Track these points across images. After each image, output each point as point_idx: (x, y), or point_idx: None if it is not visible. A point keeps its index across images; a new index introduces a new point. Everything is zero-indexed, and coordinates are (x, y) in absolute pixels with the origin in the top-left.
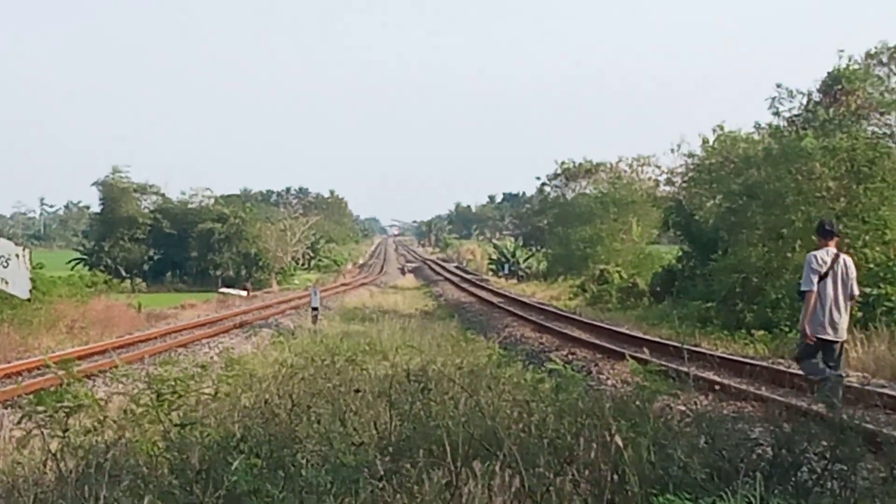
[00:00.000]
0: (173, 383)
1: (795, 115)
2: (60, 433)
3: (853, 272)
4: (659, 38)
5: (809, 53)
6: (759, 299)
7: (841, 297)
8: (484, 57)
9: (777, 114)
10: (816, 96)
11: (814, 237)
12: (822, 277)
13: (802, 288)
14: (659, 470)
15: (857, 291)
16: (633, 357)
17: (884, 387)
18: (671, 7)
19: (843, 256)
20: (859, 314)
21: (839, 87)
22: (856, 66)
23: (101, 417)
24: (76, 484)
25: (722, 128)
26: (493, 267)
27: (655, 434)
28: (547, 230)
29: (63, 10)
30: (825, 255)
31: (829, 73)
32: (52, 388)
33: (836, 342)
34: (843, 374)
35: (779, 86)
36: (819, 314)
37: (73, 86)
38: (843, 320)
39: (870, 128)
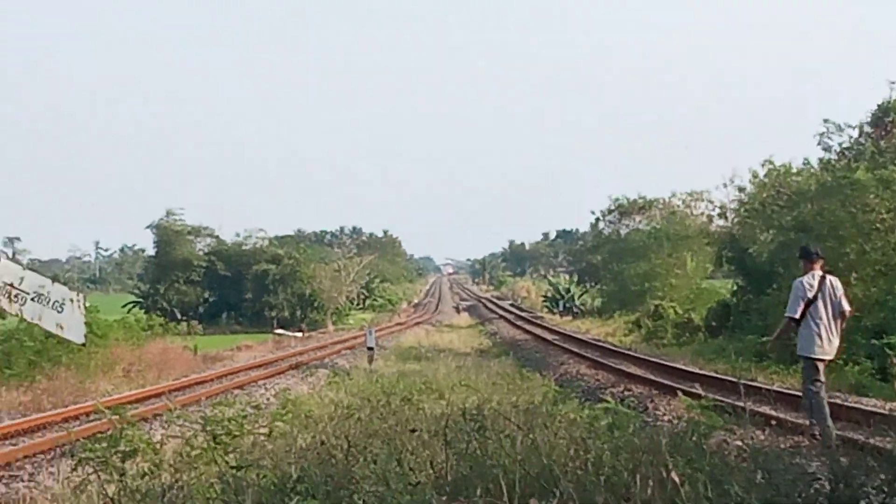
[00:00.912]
0: (228, 424)
1: (846, 149)
2: (117, 477)
3: (840, 291)
4: (710, 74)
5: (857, 87)
6: None
7: (831, 318)
8: (537, 94)
9: (826, 149)
10: (867, 128)
11: (800, 264)
12: (813, 301)
13: (787, 314)
14: None
15: (847, 308)
16: (687, 393)
17: None
18: (722, 44)
19: (829, 278)
20: None
21: (889, 118)
22: None
23: (157, 461)
24: None
25: (772, 161)
26: (547, 304)
27: (712, 470)
28: (601, 266)
29: (112, 52)
30: (811, 279)
31: (878, 105)
32: (107, 433)
33: (827, 360)
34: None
35: (826, 121)
36: (815, 336)
37: (126, 129)
38: (835, 339)
39: None
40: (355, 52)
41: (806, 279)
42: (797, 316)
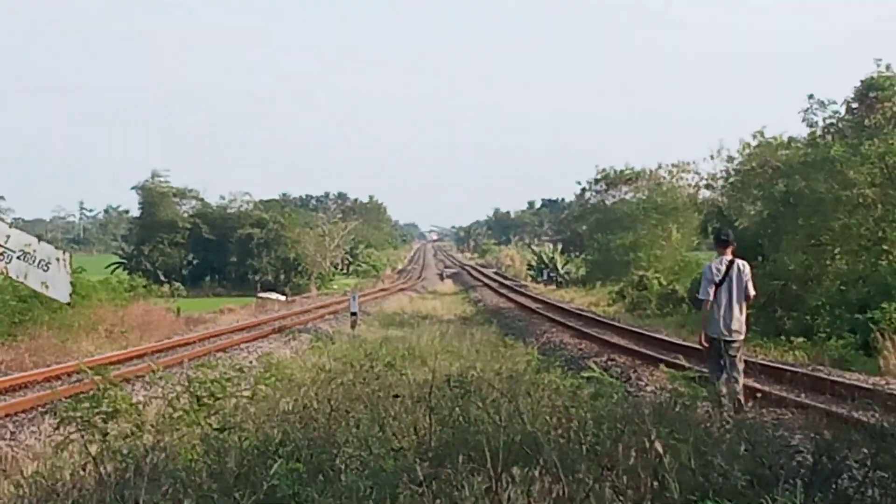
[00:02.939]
0: (211, 386)
1: (830, 124)
2: (100, 437)
3: (747, 275)
4: (697, 43)
5: (846, 61)
6: (798, 306)
7: (735, 300)
8: (524, 61)
9: (810, 125)
10: (852, 104)
11: (690, 246)
12: (720, 284)
13: (699, 296)
14: (699, 477)
15: (752, 291)
16: (670, 364)
17: None
18: (708, 14)
19: (737, 262)
20: None
21: (874, 94)
22: (890, 74)
23: (140, 422)
24: (115, 488)
25: (762, 133)
26: (531, 273)
27: (696, 441)
28: (586, 236)
29: (102, 16)
30: (720, 263)
31: (862, 81)
32: (89, 393)
33: (734, 341)
34: (737, 374)
35: (810, 97)
36: (716, 317)
37: (113, 90)
38: (739, 320)
39: None
40: (342, 15)
41: (715, 264)
42: (710, 298)
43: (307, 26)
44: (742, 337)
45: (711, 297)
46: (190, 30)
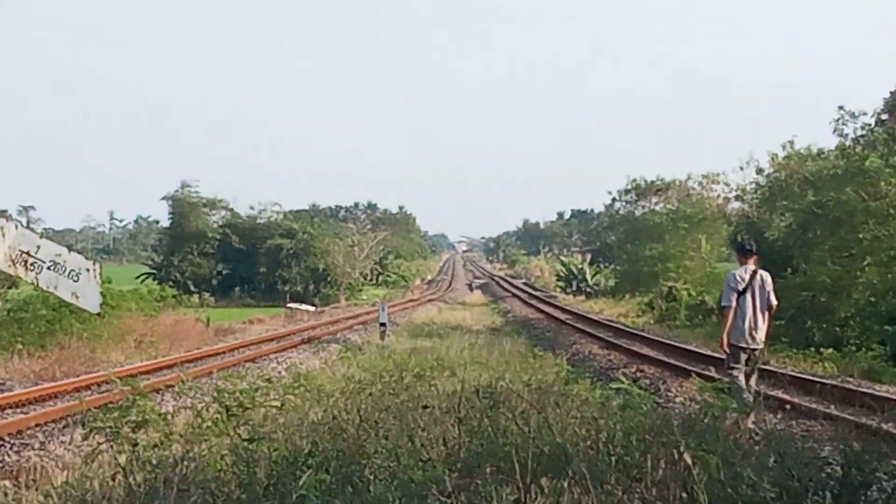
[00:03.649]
0: (240, 396)
1: (860, 135)
2: (129, 447)
3: (769, 285)
4: (727, 57)
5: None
6: (827, 317)
7: (759, 309)
8: (552, 72)
9: (841, 135)
10: (882, 115)
11: (723, 256)
12: (742, 293)
13: (722, 304)
14: (728, 489)
15: (774, 302)
16: (700, 375)
17: None
18: (737, 27)
19: (760, 272)
20: None
21: None
22: None
23: (168, 432)
24: (145, 498)
25: (792, 144)
26: (560, 283)
27: (725, 452)
28: (616, 247)
29: (128, 24)
30: (744, 272)
31: (892, 92)
32: (119, 403)
33: (755, 349)
34: (753, 381)
35: (841, 108)
36: (740, 325)
37: (143, 100)
38: (762, 330)
39: None
40: (372, 26)
41: (739, 272)
42: (732, 305)
43: (335, 37)
44: (762, 346)
45: (734, 305)
46: (224, 36)
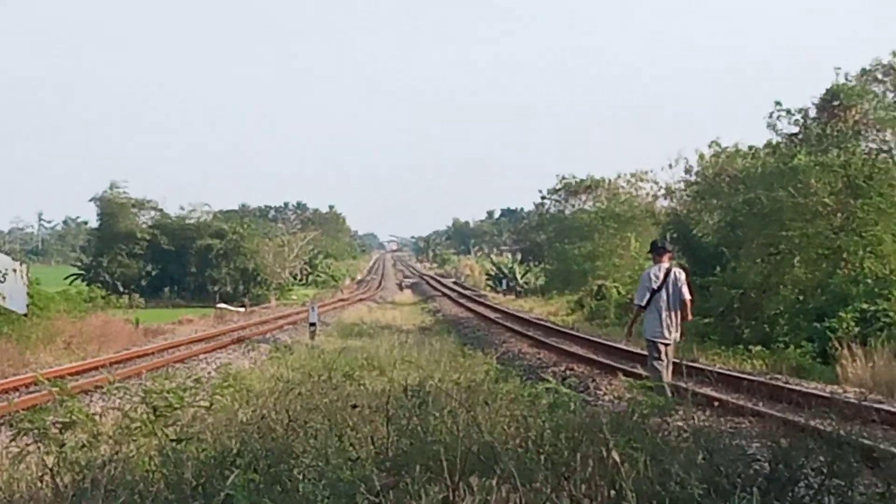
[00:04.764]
0: (168, 397)
1: (793, 133)
2: (56, 448)
3: (682, 282)
4: (659, 54)
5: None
6: (756, 315)
7: (673, 307)
8: (483, 71)
9: (776, 131)
10: (814, 112)
11: (647, 255)
12: (658, 290)
13: (635, 302)
14: (656, 485)
15: (687, 297)
16: (628, 373)
17: (881, 402)
18: (671, 24)
19: (674, 269)
20: (856, 329)
21: (837, 103)
22: (852, 84)
23: (96, 433)
24: (72, 499)
25: (718, 143)
26: (490, 283)
27: (653, 450)
28: (545, 245)
29: (60, 23)
30: (658, 270)
31: (827, 89)
32: (46, 404)
33: (669, 344)
34: (667, 373)
35: (777, 103)
36: (656, 321)
37: (71, 101)
38: (675, 326)
39: (867, 144)
40: (301, 27)
41: (653, 270)
42: (644, 304)
43: (263, 36)
44: (676, 340)
45: (645, 304)
46: (148, 36)
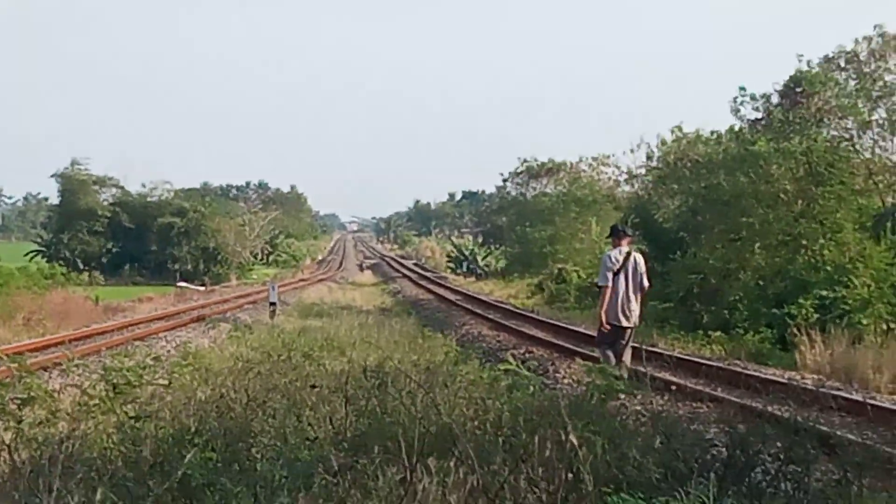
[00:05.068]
0: (127, 374)
1: (757, 119)
2: (14, 424)
3: (643, 267)
4: (623, 39)
5: (772, 58)
6: (716, 300)
7: (631, 290)
8: (446, 52)
9: (739, 117)
10: (776, 99)
11: (607, 239)
12: (616, 273)
13: (599, 283)
14: (613, 469)
15: (646, 284)
16: (587, 356)
17: (839, 389)
18: (635, 8)
19: (634, 254)
20: (815, 315)
21: (800, 90)
22: (815, 71)
23: (55, 409)
24: (29, 475)
25: (680, 129)
26: (451, 265)
27: (611, 433)
28: (506, 228)
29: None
30: (618, 254)
31: (790, 76)
32: (5, 381)
33: (628, 328)
34: (627, 359)
35: (741, 89)
36: (614, 305)
37: (32, 76)
38: (635, 309)
39: (829, 132)
40: (263, 4)
41: (613, 253)
42: (608, 284)
43: (225, 14)
44: (635, 324)
45: (609, 284)
46: (114, 9)
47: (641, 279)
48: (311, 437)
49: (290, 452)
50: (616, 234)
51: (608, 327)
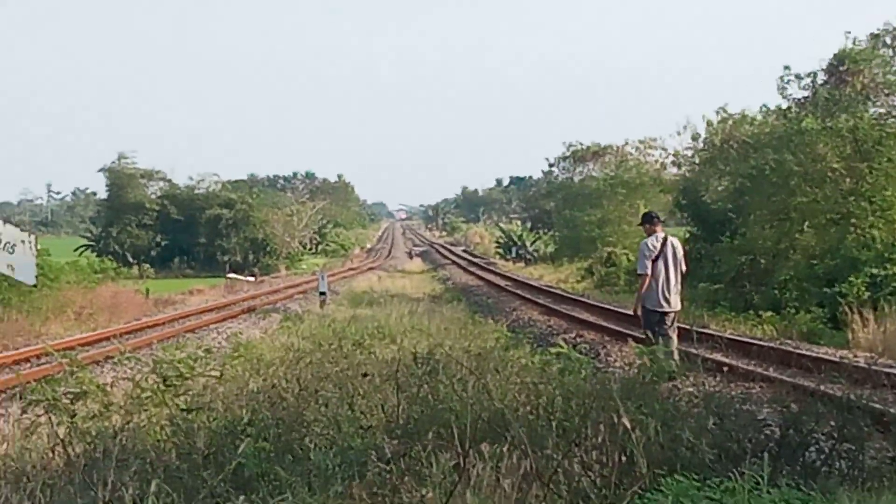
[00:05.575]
0: (178, 366)
1: (804, 97)
2: (68, 419)
3: (680, 252)
4: (669, 20)
5: (819, 36)
6: (766, 280)
7: (672, 275)
8: (491, 39)
9: (785, 96)
10: (822, 77)
11: (639, 226)
12: (655, 260)
13: (638, 271)
14: (667, 451)
15: (685, 268)
16: (639, 339)
17: (891, 366)
18: None
19: (671, 239)
20: (867, 293)
21: (844, 67)
22: (860, 48)
23: (107, 403)
24: (84, 469)
25: (725, 109)
26: (500, 250)
27: (663, 415)
28: (554, 213)
29: None
30: (655, 240)
31: (834, 54)
32: (57, 375)
33: (670, 312)
34: (672, 344)
35: (786, 68)
36: (655, 291)
37: (80, 72)
38: (675, 294)
39: (875, 109)
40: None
41: (651, 240)
42: (648, 272)
43: (268, 7)
44: (678, 308)
45: (649, 272)
46: (158, 7)
47: (680, 264)
48: (363, 426)
49: (342, 441)
50: (650, 221)
51: (638, 314)
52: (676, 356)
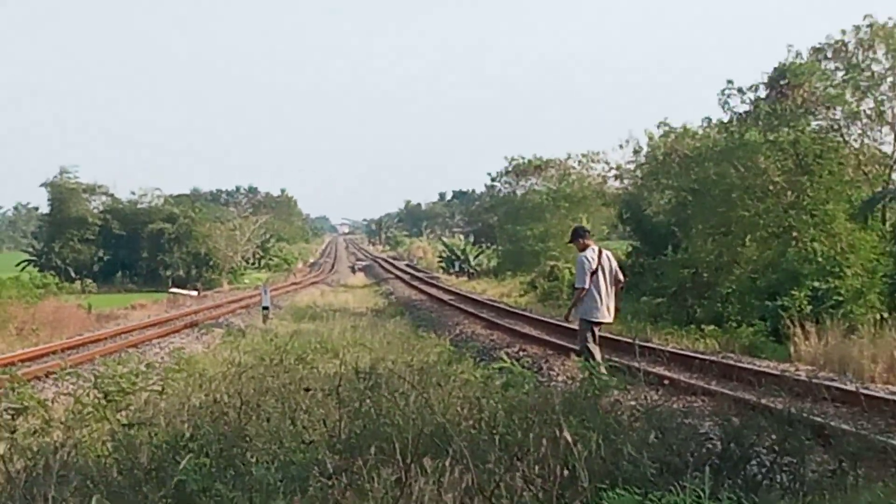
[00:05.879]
0: (120, 381)
1: (745, 112)
2: (8, 435)
3: (615, 263)
4: (609, 37)
5: (760, 50)
6: (709, 294)
7: (609, 286)
8: (434, 55)
9: (728, 109)
10: (763, 91)
11: (570, 244)
12: (594, 273)
13: (577, 285)
14: (609, 465)
15: (621, 278)
16: (578, 353)
17: (832, 380)
18: (620, 6)
19: (605, 252)
20: (808, 307)
21: (786, 81)
22: (801, 61)
23: (48, 418)
24: (24, 486)
25: (667, 123)
26: (443, 265)
27: (605, 429)
28: (497, 227)
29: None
30: (592, 253)
31: (775, 67)
32: None
33: (606, 323)
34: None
35: (729, 82)
36: (596, 302)
37: (20, 86)
38: (612, 305)
39: (816, 122)
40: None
41: (588, 254)
42: (586, 286)
43: (209, 20)
44: (611, 320)
45: (587, 286)
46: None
47: (616, 275)
48: (305, 441)
49: (284, 456)
50: (581, 236)
51: (572, 320)
52: (603, 368)
